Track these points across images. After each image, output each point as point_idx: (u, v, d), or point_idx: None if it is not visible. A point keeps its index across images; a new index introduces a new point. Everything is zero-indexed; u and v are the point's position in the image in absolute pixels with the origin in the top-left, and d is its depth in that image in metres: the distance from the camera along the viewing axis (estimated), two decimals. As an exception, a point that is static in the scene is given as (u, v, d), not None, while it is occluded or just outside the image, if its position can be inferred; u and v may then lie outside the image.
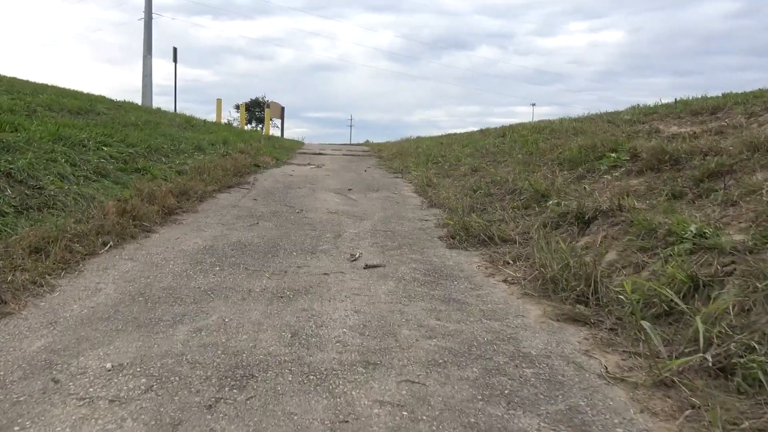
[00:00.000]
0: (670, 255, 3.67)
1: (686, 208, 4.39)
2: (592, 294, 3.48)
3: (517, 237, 4.97)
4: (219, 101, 20.56)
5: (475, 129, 14.83)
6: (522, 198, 6.10)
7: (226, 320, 3.08)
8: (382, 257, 4.61)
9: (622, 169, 6.04)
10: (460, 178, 8.69)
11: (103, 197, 5.49)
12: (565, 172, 6.42)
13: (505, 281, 4.05)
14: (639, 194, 5.09)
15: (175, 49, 20.84)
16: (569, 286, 3.62)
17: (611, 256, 4.15)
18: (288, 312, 3.25)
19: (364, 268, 4.25)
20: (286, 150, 14.06)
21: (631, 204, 4.58)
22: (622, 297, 3.32)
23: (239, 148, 11.11)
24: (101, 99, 12.09)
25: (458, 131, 16.59)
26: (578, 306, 3.39)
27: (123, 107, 11.68)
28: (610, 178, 6.01)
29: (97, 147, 7.04)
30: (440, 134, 17.26)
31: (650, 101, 10.26)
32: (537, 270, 3.99)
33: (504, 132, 12.03)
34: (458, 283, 3.97)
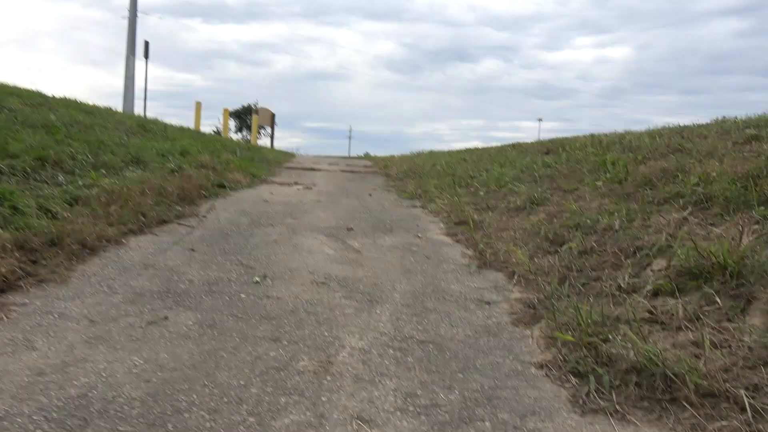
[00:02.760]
0: None
1: None
2: None
3: (742, 392, 2.11)
4: (198, 104, 17.75)
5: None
6: (673, 270, 3.23)
7: None
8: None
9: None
10: (514, 213, 5.84)
11: None
12: (755, 227, 3.55)
13: None
14: None
15: (146, 43, 18.10)
16: None
17: None
18: None
19: None
20: (270, 164, 11.20)
21: None
22: None
23: (200, 162, 8.24)
24: (26, 93, 9.22)
25: (480, 146, 13.86)
26: None
27: (49, 103, 8.83)
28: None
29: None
30: (458, 148, 14.47)
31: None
32: None
33: (549, 148, 9.22)
34: None
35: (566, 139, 9.75)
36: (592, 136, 9.47)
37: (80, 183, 5.18)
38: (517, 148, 10.69)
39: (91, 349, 2.47)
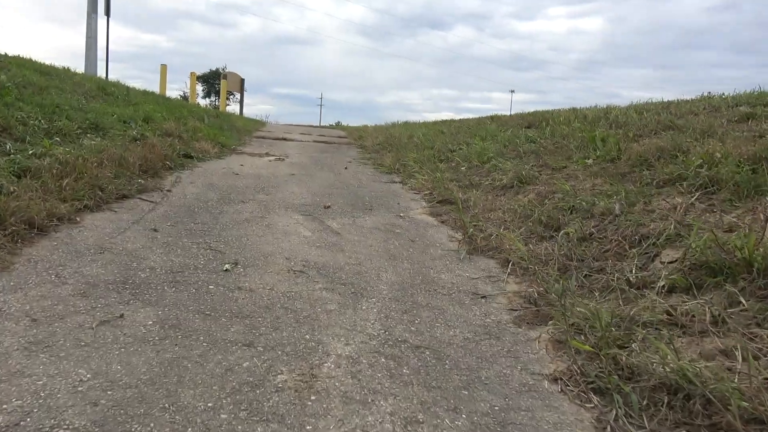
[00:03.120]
0: None
1: None
2: None
3: (790, 416, 1.82)
4: (163, 68, 16.89)
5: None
6: (687, 263, 2.93)
7: None
8: None
9: None
10: (500, 191, 5.52)
11: None
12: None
13: None
14: None
15: None
16: None
17: None
18: None
19: None
20: (239, 132, 10.65)
21: None
22: None
23: (165, 129, 7.69)
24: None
25: (454, 117, 13.53)
26: None
27: (0, 62, 8.12)
28: None
29: None
30: (432, 119, 14.07)
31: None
32: None
33: (531, 122, 8.88)
34: None
35: (548, 112, 9.43)
36: (575, 110, 9.18)
37: (31, 152, 4.65)
38: (496, 120, 10.35)
39: (29, 358, 2.06)
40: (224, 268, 3.20)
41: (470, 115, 11.47)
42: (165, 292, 2.79)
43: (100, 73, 18.45)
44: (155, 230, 3.84)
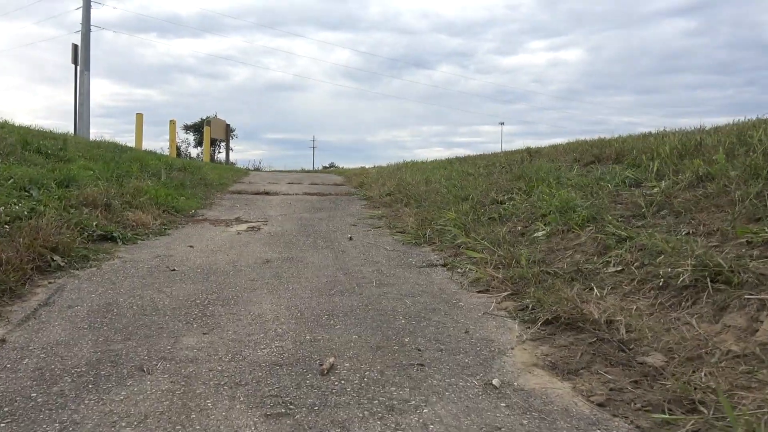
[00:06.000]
0: None
1: None
2: None
3: None
4: (139, 117, 14.20)
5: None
6: None
7: None
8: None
9: None
10: (665, 294, 2.64)
11: None
12: None
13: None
14: None
15: (75, 47, 14.34)
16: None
17: None
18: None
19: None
20: (210, 187, 7.81)
21: None
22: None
23: (85, 196, 4.84)
24: None
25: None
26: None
27: None
28: None
29: None
30: (442, 157, 11.25)
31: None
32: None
33: (597, 155, 6.07)
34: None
35: (614, 140, 6.64)
36: (652, 135, 6.42)
37: None
38: (536, 154, 7.54)
39: None
40: None
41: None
42: None
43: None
44: None
